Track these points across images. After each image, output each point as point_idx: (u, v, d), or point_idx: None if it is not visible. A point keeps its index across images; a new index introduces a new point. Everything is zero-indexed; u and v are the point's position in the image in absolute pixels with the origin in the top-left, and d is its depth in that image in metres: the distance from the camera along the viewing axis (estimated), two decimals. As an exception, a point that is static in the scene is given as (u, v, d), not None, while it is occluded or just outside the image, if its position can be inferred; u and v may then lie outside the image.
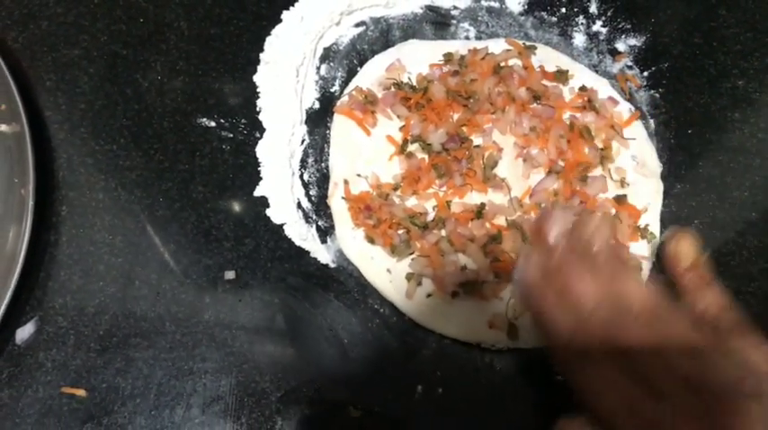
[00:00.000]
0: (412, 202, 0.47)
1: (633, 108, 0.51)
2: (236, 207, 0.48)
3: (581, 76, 0.51)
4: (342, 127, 0.49)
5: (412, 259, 0.45)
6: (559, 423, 0.38)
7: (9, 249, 0.45)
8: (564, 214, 0.38)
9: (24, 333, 0.44)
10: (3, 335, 0.43)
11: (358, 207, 0.46)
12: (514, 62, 0.51)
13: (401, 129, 0.49)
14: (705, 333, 0.35)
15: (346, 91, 0.51)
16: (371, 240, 0.45)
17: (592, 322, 0.36)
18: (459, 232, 0.45)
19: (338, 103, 0.50)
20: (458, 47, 0.52)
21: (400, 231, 0.46)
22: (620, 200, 0.47)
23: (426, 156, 0.48)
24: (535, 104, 0.49)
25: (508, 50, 0.51)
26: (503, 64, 0.50)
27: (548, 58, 0.52)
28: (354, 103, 0.49)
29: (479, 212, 0.46)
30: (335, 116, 0.50)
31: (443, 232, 0.45)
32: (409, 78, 0.50)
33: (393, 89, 0.49)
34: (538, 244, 0.38)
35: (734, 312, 0.37)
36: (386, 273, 0.46)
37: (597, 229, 0.38)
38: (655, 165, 0.49)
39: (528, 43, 0.52)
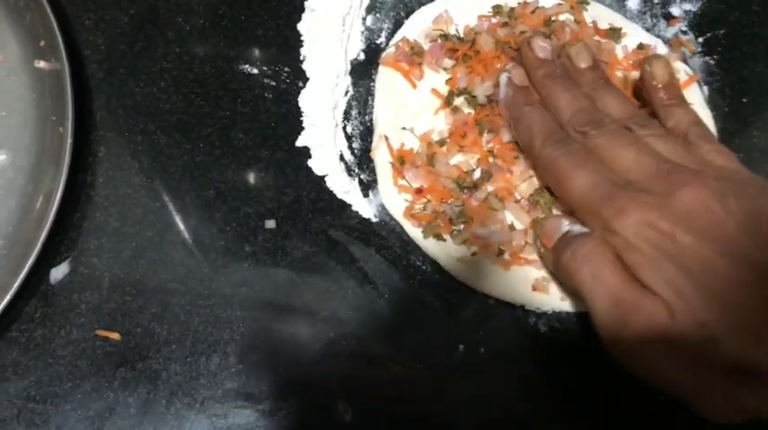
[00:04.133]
0: (457, 159, 0.45)
1: (690, 71, 0.49)
2: (278, 156, 0.47)
3: (634, 35, 0.50)
4: (387, 78, 0.48)
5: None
6: (540, 220, 0.42)
7: (46, 187, 0.44)
8: (544, 40, 0.43)
9: (59, 273, 0.43)
10: (37, 275, 0.42)
11: (399, 168, 0.45)
12: (566, 17, 0.49)
13: (447, 82, 0.47)
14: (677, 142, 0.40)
15: (392, 42, 0.49)
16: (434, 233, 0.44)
17: (566, 128, 0.40)
18: (504, 185, 0.44)
19: (384, 54, 0.49)
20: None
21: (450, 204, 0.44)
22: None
23: (473, 111, 0.46)
24: None
25: (560, 4, 0.50)
26: (553, 18, 0.49)
27: (600, 15, 0.50)
28: (401, 55, 0.47)
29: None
30: (381, 67, 0.49)
31: (490, 188, 0.44)
32: (456, 30, 0.49)
33: (440, 41, 0.48)
34: (526, 58, 0.43)
35: (702, 127, 0.41)
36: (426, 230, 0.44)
37: (581, 50, 0.43)
38: (711, 131, 0.47)
39: (580, -1, 0.51)
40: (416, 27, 0.49)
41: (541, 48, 0.43)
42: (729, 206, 0.34)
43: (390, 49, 0.49)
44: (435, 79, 0.48)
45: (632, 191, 0.36)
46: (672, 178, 0.35)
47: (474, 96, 0.46)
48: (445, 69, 0.48)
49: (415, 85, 0.47)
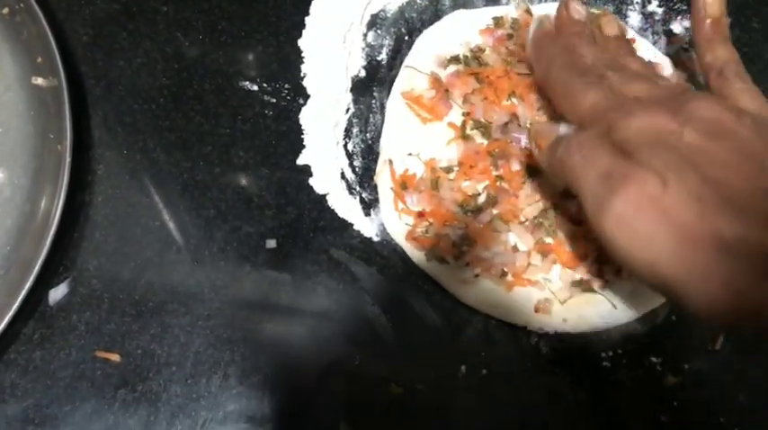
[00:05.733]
0: (464, 183, 0.45)
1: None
2: (279, 174, 0.46)
3: (642, 50, 0.49)
4: (398, 104, 0.47)
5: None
6: (533, 126, 0.42)
7: (44, 207, 0.43)
8: (582, 4, 0.43)
9: (57, 294, 0.43)
10: (35, 295, 0.42)
11: (400, 193, 0.45)
12: None
13: (464, 114, 0.46)
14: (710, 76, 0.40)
15: (403, 68, 0.48)
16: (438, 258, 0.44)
17: (587, 65, 0.39)
18: (509, 208, 0.43)
19: (398, 83, 0.48)
20: (508, 11, 0.50)
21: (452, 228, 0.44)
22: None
23: (485, 141, 0.46)
24: None
25: None
26: None
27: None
28: (428, 92, 0.47)
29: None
30: (392, 94, 0.48)
31: (495, 211, 0.44)
32: (467, 55, 0.48)
33: (452, 66, 0.47)
34: (560, 17, 0.43)
35: (739, 65, 0.41)
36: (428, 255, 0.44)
37: (611, 20, 0.45)
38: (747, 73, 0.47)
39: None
40: (424, 52, 0.49)
41: (576, 10, 0.43)
42: (744, 120, 0.33)
43: (402, 78, 0.48)
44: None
45: (642, 101, 0.35)
46: (684, 95, 0.35)
47: (488, 128, 0.45)
48: (465, 102, 0.47)
49: (441, 118, 0.47)
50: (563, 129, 0.38)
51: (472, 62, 0.48)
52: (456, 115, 0.47)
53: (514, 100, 0.46)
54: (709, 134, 0.32)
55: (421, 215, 0.44)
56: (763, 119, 0.35)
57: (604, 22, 0.45)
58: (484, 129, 0.46)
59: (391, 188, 0.45)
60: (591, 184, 0.33)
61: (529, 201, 0.43)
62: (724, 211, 0.30)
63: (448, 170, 0.45)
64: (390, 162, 0.45)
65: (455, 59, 0.48)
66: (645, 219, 0.31)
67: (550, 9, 0.50)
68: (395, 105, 0.47)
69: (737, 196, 0.30)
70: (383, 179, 0.45)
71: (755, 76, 0.50)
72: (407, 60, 0.48)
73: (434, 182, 0.44)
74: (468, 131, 0.46)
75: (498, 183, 0.44)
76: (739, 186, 0.30)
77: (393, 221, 0.45)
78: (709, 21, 0.42)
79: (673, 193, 0.31)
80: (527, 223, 0.43)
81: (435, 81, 0.47)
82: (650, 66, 0.44)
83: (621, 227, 0.32)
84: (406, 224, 0.44)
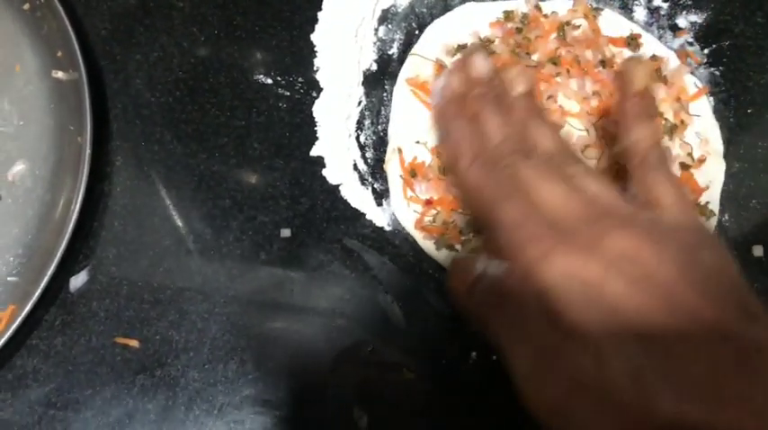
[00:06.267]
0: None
1: (699, 83, 0.50)
2: (293, 165, 0.47)
3: (648, 45, 0.50)
4: (404, 92, 0.48)
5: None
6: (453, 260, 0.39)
7: (65, 197, 0.44)
8: (485, 58, 0.38)
9: (78, 281, 0.44)
10: (56, 283, 0.43)
11: (410, 180, 0.46)
12: (580, 23, 0.50)
13: None
14: (633, 162, 0.35)
15: (410, 55, 0.49)
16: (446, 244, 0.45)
17: (494, 152, 0.35)
18: None
19: (404, 71, 0.49)
20: (519, 5, 0.51)
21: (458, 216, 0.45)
22: (685, 174, 0.46)
23: None
24: (600, 69, 0.48)
25: (573, 10, 0.50)
26: (567, 23, 0.50)
27: (614, 23, 0.51)
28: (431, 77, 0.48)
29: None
30: (398, 81, 0.49)
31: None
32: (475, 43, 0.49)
33: (459, 54, 0.48)
34: (457, 73, 0.38)
35: (662, 151, 0.36)
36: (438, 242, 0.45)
37: (518, 76, 0.38)
38: (718, 144, 0.48)
39: (594, 5, 0.51)
40: (432, 41, 0.50)
41: (476, 67, 0.38)
42: (663, 255, 0.29)
43: (408, 65, 0.49)
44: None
45: (558, 233, 0.31)
46: (600, 223, 0.31)
47: None
48: None
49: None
50: (482, 265, 0.34)
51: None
52: None
53: None
54: (632, 282, 0.29)
55: (429, 203, 0.45)
56: (679, 226, 0.33)
57: (511, 77, 0.38)
58: None
59: (401, 176, 0.46)
60: (520, 358, 0.31)
61: None
62: (667, 390, 0.27)
63: None
64: (400, 150, 0.46)
65: (463, 48, 0.49)
66: (582, 405, 0.29)
67: (559, 6, 0.51)
68: (401, 92, 0.49)
69: (677, 366, 0.28)
70: (392, 167, 0.46)
71: (759, 68, 0.51)
72: (415, 48, 0.50)
73: (442, 168, 0.45)
74: None
75: None
76: (677, 351, 0.28)
77: (403, 209, 0.46)
78: (635, 91, 0.36)
79: (609, 370, 0.28)
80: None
81: (440, 67, 0.48)
82: (555, 127, 0.39)
83: (558, 414, 0.30)
84: (415, 212, 0.45)
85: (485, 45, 0.49)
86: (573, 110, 0.48)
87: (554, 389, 0.29)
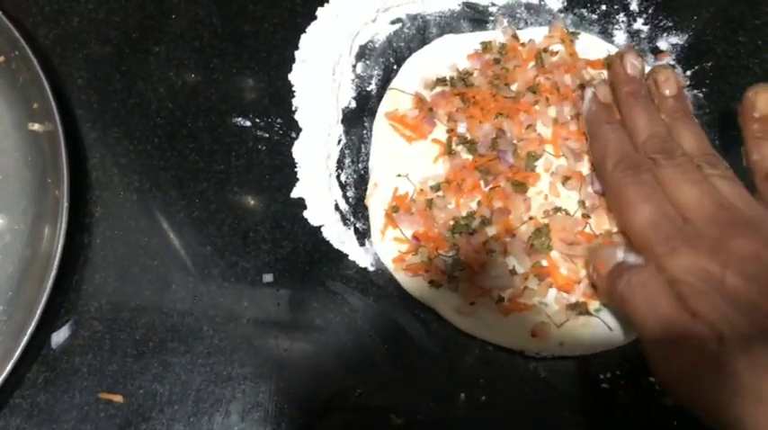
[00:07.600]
0: (454, 205, 0.46)
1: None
2: (273, 208, 0.47)
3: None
4: (383, 126, 0.48)
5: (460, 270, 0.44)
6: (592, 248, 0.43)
7: (44, 251, 0.44)
8: (637, 57, 0.45)
9: (60, 337, 0.44)
10: (38, 339, 0.43)
11: (393, 214, 0.45)
12: (558, 48, 0.50)
13: (448, 131, 0.47)
14: (758, 176, 0.40)
15: (389, 89, 0.49)
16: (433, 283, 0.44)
17: (637, 156, 0.41)
18: (504, 228, 0.44)
19: (383, 106, 0.49)
20: (496, 35, 0.51)
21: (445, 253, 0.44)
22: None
23: (471, 157, 0.46)
24: (579, 92, 0.47)
25: (550, 36, 0.50)
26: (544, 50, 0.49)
27: (590, 46, 0.50)
28: (412, 112, 0.48)
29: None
30: (377, 116, 0.49)
31: (489, 232, 0.44)
32: (453, 76, 0.49)
33: (439, 87, 0.48)
34: (614, 72, 0.45)
35: None
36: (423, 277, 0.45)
37: (669, 77, 0.44)
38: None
39: (571, 29, 0.51)
40: (411, 75, 0.50)
41: (632, 65, 0.44)
42: None
43: (387, 99, 0.49)
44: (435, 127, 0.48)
45: (687, 232, 0.37)
46: (728, 227, 0.36)
47: (474, 143, 0.46)
48: (449, 120, 0.48)
49: (425, 137, 0.47)
50: (621, 255, 0.40)
51: (459, 83, 0.48)
52: (440, 133, 0.48)
53: (501, 118, 0.47)
54: (751, 279, 0.34)
55: (414, 238, 0.44)
56: None
57: (662, 80, 0.44)
58: (470, 145, 0.46)
59: (384, 209, 0.45)
60: (652, 333, 0.36)
61: (523, 220, 0.44)
62: None
63: (437, 188, 0.46)
64: (375, 185, 0.46)
65: (441, 81, 0.48)
66: (703, 375, 0.34)
67: (536, 34, 0.51)
68: (380, 126, 0.48)
69: None
70: (374, 202, 0.46)
71: (743, 88, 0.51)
72: (394, 83, 0.49)
73: (428, 202, 0.45)
74: (454, 147, 0.47)
75: (491, 202, 0.45)
76: None
77: (384, 247, 0.45)
78: (758, 116, 0.41)
79: (727, 348, 0.33)
80: (523, 244, 0.44)
81: (419, 101, 0.48)
82: (699, 129, 0.44)
83: (682, 381, 0.35)
84: (399, 251, 0.45)
85: (462, 78, 0.49)
86: (550, 137, 0.47)
87: (679, 361, 0.35)
